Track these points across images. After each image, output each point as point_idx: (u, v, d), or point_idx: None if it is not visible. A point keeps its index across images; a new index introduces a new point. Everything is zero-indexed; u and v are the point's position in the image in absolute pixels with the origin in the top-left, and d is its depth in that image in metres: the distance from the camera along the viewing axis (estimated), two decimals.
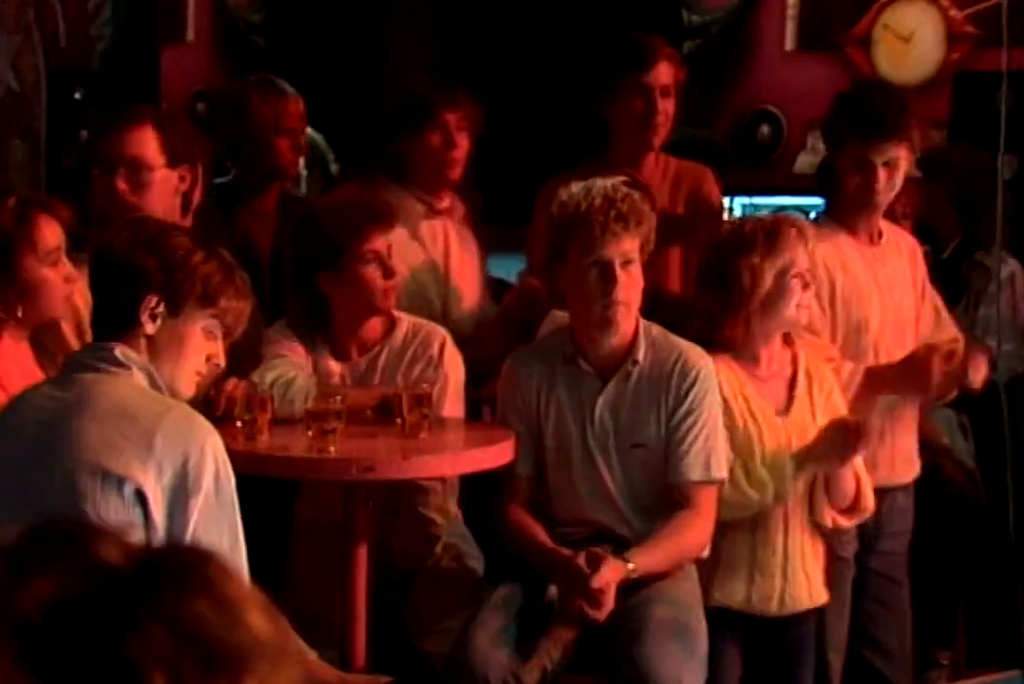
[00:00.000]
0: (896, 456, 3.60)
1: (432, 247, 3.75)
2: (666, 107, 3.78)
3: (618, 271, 3.14)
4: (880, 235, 3.62)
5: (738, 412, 3.29)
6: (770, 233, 3.27)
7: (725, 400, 3.28)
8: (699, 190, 3.91)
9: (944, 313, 3.72)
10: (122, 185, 3.25)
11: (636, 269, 3.18)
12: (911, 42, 5.32)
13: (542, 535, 3.22)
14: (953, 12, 5.22)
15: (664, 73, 3.79)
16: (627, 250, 3.15)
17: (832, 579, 3.40)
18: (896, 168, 3.45)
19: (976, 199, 4.03)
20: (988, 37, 5.06)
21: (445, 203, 3.82)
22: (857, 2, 5.48)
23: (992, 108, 4.11)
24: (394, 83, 5.44)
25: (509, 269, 4.20)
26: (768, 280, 3.25)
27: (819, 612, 3.40)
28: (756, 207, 5.20)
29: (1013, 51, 4.15)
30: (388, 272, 3.30)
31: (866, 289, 3.54)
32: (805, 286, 3.27)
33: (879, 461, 3.51)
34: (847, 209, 3.56)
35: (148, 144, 3.29)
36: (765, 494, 3.23)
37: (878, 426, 3.35)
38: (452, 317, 3.77)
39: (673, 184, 3.87)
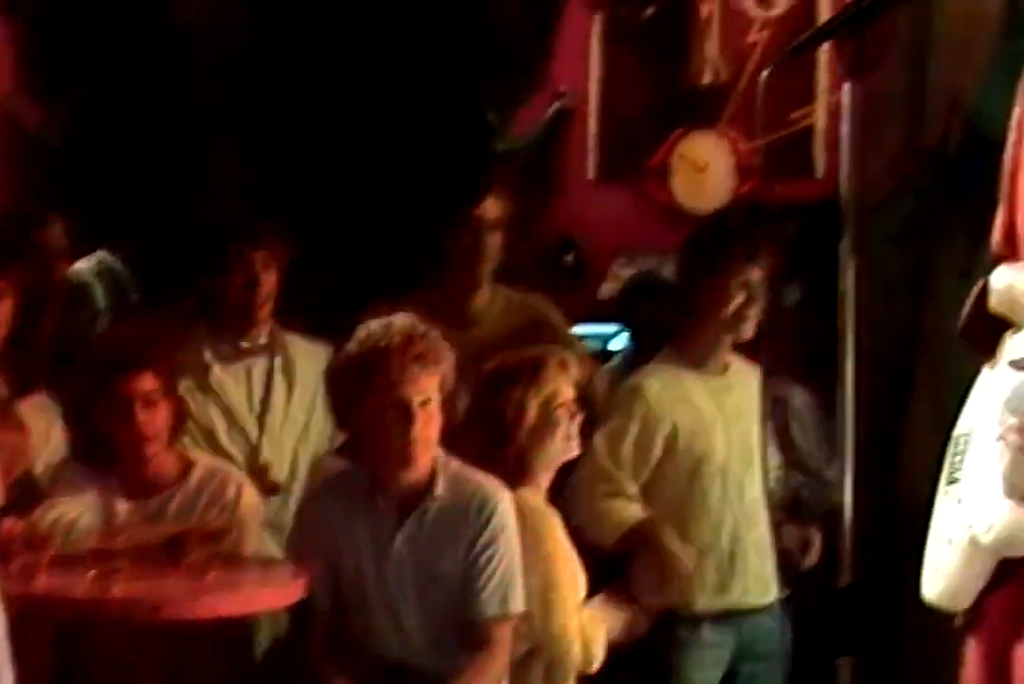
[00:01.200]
0: (748, 576, 3.64)
1: (237, 388, 3.68)
2: (495, 240, 3.85)
3: (416, 410, 3.16)
4: (727, 366, 3.70)
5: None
6: (534, 365, 3.34)
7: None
8: (538, 319, 3.97)
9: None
10: None
11: (434, 406, 3.21)
12: (705, 172, 5.50)
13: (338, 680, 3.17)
14: (742, 144, 5.41)
15: (495, 206, 3.86)
16: (425, 389, 3.18)
17: None
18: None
19: (764, 326, 4.14)
20: (776, 168, 5.24)
21: (261, 341, 3.77)
22: (655, 132, 5.65)
23: (781, 238, 4.24)
24: (205, 209, 5.41)
25: None
26: (532, 412, 3.30)
27: None
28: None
29: (792, 183, 4.31)
30: (126, 419, 3.24)
31: (709, 420, 3.62)
32: (572, 416, 3.34)
33: (730, 582, 3.63)
34: (699, 338, 3.64)
35: None
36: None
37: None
38: (264, 458, 3.72)
39: (506, 315, 3.91)
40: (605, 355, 4.87)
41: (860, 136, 1.74)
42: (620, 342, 5.00)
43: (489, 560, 3.21)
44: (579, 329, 5.20)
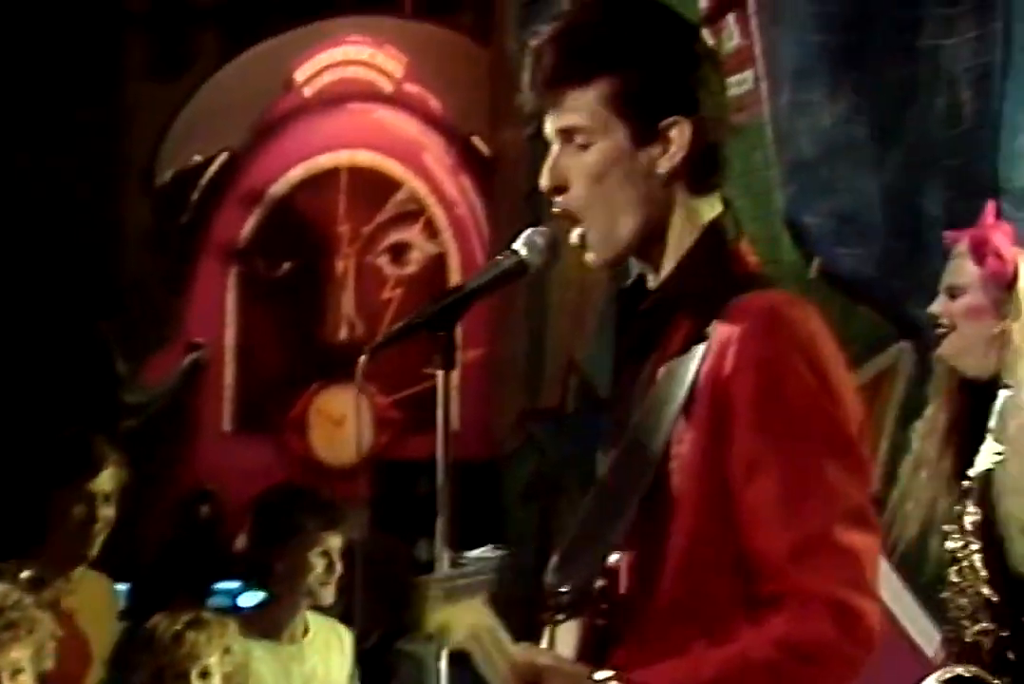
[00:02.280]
0: None
1: None
2: (108, 513, 3.77)
3: (5, 682, 3.01)
4: (307, 631, 3.64)
5: None
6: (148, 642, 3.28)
7: None
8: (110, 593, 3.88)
9: None
10: None
11: (27, 678, 3.07)
12: (343, 425, 5.58)
13: None
14: (380, 398, 5.53)
15: (109, 479, 3.78)
16: (17, 659, 3.04)
17: None
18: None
19: (395, 585, 4.16)
20: (412, 423, 5.38)
21: None
22: (292, 386, 5.73)
23: (412, 493, 4.31)
24: None
25: None
26: None
27: None
28: (205, 593, 5.15)
29: (428, 436, 4.37)
30: None
31: None
32: None
33: None
34: (278, 607, 3.58)
35: None
36: None
37: None
38: None
39: (87, 588, 3.80)
40: (236, 610, 4.77)
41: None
42: (251, 598, 4.92)
43: None
44: (218, 585, 5.13)
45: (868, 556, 1.48)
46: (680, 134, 1.56)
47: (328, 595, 3.55)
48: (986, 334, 2.59)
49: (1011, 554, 2.51)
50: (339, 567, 3.56)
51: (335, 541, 3.56)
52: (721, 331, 1.52)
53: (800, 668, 1.47)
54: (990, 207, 2.64)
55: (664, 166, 1.56)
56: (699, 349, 1.52)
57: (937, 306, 2.65)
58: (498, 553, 1.57)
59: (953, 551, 2.55)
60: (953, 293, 2.62)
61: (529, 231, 1.69)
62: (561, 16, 1.64)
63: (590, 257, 1.63)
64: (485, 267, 1.75)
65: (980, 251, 2.59)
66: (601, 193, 1.58)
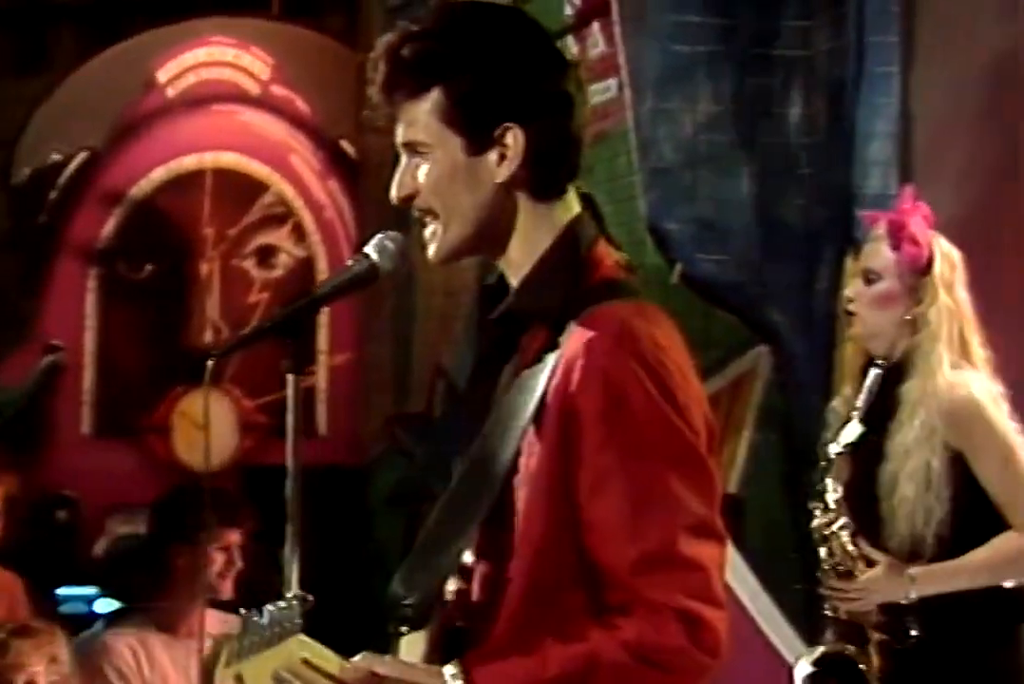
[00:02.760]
0: None
1: None
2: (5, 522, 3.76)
3: None
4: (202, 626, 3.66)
5: None
6: None
7: None
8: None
9: None
10: None
11: None
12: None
13: None
14: (245, 401, 5.52)
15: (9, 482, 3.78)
16: None
17: None
18: None
19: (256, 590, 4.18)
20: (279, 427, 5.36)
21: None
22: (155, 389, 5.70)
23: (276, 499, 4.30)
24: None
25: None
26: None
27: None
28: (58, 599, 5.10)
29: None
30: None
31: None
32: None
33: None
34: (174, 602, 3.60)
35: None
36: None
37: None
38: None
39: None
40: (91, 617, 4.73)
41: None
42: (106, 605, 4.88)
43: None
44: (64, 591, 5.08)
45: (714, 567, 1.51)
46: (515, 141, 1.57)
47: (227, 589, 3.58)
48: (897, 320, 2.61)
49: (891, 535, 2.56)
50: (239, 562, 3.60)
51: (235, 537, 3.60)
52: (571, 343, 1.54)
53: (647, 672, 1.49)
54: (908, 191, 2.68)
55: (502, 174, 1.58)
56: (551, 359, 1.55)
57: (851, 291, 2.68)
58: (296, 602, 1.58)
59: (818, 528, 2.61)
60: (869, 277, 2.64)
61: (380, 235, 1.71)
62: (397, 29, 1.63)
63: (428, 255, 1.66)
64: (336, 272, 1.75)
65: (896, 236, 2.62)
66: (441, 203, 1.60)
